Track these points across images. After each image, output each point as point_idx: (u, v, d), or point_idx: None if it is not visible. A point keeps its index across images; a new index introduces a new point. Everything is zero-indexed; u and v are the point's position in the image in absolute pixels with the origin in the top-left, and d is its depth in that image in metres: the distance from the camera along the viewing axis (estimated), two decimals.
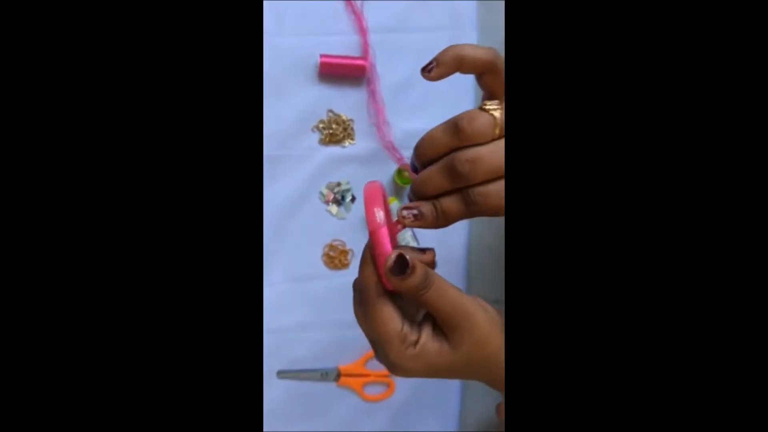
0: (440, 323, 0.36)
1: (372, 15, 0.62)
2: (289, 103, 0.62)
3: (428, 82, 0.63)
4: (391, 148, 0.63)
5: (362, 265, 0.35)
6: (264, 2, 0.57)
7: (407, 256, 0.33)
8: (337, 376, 0.64)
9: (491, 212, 0.35)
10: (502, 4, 0.65)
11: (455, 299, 0.35)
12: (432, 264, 0.37)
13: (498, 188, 0.34)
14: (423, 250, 0.38)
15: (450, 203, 0.35)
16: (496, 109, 0.33)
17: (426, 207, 0.35)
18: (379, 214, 0.33)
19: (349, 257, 0.64)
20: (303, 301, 0.63)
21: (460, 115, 0.34)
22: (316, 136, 0.63)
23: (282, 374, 0.63)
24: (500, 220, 0.38)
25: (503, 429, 0.43)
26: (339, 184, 0.63)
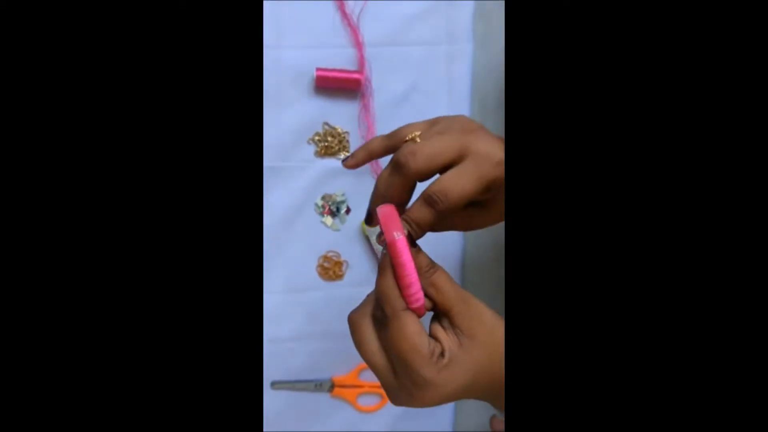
0: (451, 315, 0.35)
1: (368, 29, 0.63)
2: (285, 115, 0.62)
3: (425, 95, 0.64)
4: (374, 163, 0.63)
5: (382, 282, 0.34)
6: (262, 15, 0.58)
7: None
8: (331, 387, 0.64)
9: (454, 204, 0.37)
10: (498, 18, 0.66)
11: (457, 286, 0.36)
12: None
13: (450, 177, 0.37)
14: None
15: (416, 211, 0.37)
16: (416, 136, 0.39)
17: (404, 224, 0.37)
18: (397, 234, 0.34)
19: (343, 268, 0.64)
20: (297, 312, 0.64)
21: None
22: (311, 149, 0.63)
23: (276, 385, 0.63)
24: (493, 234, 0.39)
25: None
26: (334, 196, 0.64)
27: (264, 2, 0.59)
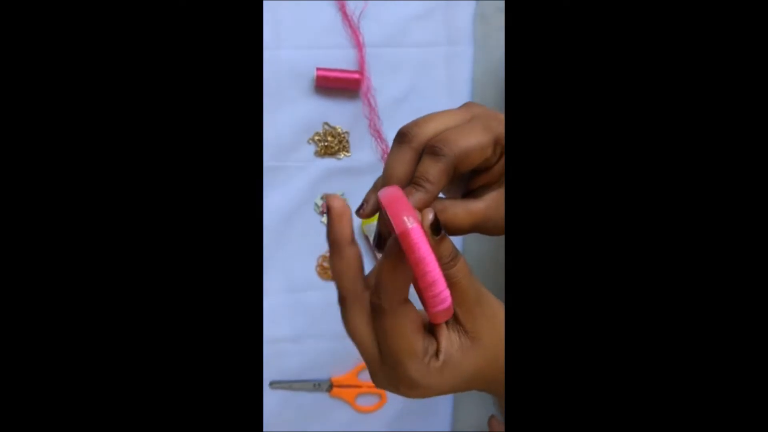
0: (461, 311, 0.32)
1: (368, 29, 0.63)
2: (285, 115, 0.62)
3: (424, 97, 0.64)
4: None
5: (387, 272, 0.30)
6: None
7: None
8: (330, 387, 0.64)
9: (462, 153, 0.33)
10: (498, 20, 0.66)
11: (476, 281, 0.32)
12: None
13: (453, 129, 0.33)
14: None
15: (423, 166, 0.33)
16: None
17: (410, 190, 0.33)
18: (409, 220, 0.28)
19: None
20: (296, 312, 0.64)
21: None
22: (311, 148, 0.63)
23: (275, 384, 0.63)
24: (493, 239, 0.38)
25: None
26: None
27: (264, 2, 0.59)
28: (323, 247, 0.64)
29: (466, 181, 0.36)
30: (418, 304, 0.32)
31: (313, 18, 0.62)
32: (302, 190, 0.63)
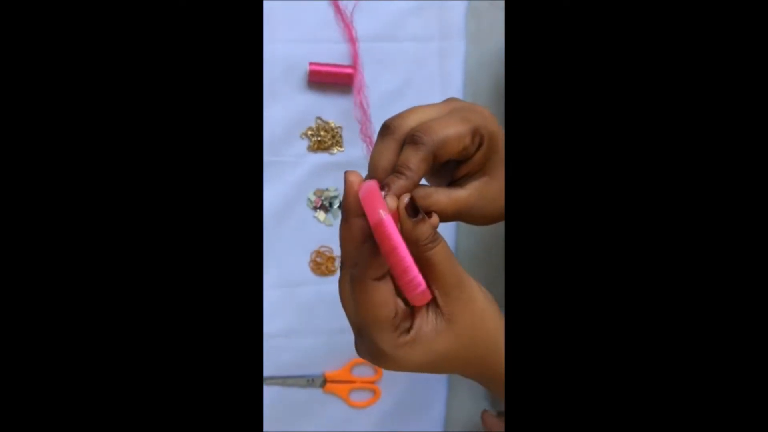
0: (439, 293, 0.33)
1: (362, 23, 0.63)
2: (278, 109, 0.62)
3: (417, 91, 0.65)
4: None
5: (363, 247, 0.32)
6: None
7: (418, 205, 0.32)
8: (323, 382, 0.64)
9: (441, 142, 0.34)
10: (490, 16, 0.66)
11: (457, 266, 0.33)
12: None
13: (433, 119, 0.35)
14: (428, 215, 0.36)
15: (404, 155, 0.34)
16: None
17: (392, 178, 0.33)
18: (382, 212, 0.30)
19: (336, 264, 0.64)
20: (289, 307, 0.64)
21: None
22: (304, 143, 0.63)
23: (268, 380, 0.63)
24: (486, 233, 0.39)
25: None
26: (327, 191, 0.64)
27: None
28: (316, 242, 0.64)
29: (451, 171, 0.38)
30: None
31: (305, 12, 0.62)
32: (295, 185, 0.63)
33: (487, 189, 0.37)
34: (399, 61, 0.64)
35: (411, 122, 0.35)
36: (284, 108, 0.63)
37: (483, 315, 0.34)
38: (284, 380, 0.64)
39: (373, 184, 0.32)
